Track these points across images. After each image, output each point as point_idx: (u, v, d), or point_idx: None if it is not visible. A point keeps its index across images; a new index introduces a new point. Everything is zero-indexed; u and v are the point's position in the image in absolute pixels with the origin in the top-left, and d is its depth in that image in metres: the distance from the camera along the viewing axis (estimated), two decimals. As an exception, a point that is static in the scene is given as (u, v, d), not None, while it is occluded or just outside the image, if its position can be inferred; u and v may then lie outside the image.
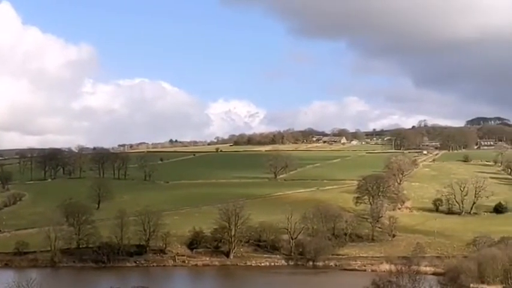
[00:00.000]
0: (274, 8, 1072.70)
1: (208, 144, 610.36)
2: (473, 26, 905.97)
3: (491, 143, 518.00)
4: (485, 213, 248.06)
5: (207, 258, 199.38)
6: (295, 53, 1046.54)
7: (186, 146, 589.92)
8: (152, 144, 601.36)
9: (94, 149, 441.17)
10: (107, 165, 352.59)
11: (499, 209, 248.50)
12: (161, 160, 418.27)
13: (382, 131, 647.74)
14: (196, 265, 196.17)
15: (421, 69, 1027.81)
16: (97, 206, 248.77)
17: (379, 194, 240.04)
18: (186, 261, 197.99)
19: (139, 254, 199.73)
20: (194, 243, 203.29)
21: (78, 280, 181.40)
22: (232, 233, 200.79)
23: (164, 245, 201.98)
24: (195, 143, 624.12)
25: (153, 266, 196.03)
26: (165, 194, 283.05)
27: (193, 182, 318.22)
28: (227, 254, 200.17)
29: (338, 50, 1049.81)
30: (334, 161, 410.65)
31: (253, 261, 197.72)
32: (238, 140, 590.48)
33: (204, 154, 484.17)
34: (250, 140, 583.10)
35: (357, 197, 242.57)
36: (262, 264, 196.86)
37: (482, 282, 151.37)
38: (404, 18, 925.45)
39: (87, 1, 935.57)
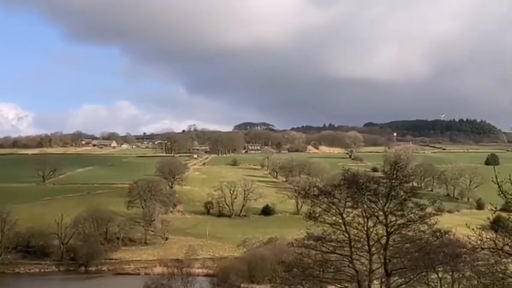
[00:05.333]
0: (48, 12, 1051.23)
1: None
2: (247, 36, 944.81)
3: (258, 147, 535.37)
4: (254, 216, 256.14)
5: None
6: (67, 57, 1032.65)
7: None
8: None
9: None
10: None
11: (266, 211, 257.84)
12: None
13: (152, 134, 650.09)
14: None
15: (192, 75, 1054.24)
16: None
17: (151, 197, 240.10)
18: None
19: None
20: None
21: None
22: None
23: None
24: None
25: None
26: None
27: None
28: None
29: (112, 56, 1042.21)
30: (105, 164, 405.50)
31: (22, 268, 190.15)
32: (3, 143, 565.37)
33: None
34: (15, 143, 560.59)
35: (129, 201, 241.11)
36: (32, 270, 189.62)
37: (252, 282, 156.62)
38: (177, 26, 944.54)
39: None
